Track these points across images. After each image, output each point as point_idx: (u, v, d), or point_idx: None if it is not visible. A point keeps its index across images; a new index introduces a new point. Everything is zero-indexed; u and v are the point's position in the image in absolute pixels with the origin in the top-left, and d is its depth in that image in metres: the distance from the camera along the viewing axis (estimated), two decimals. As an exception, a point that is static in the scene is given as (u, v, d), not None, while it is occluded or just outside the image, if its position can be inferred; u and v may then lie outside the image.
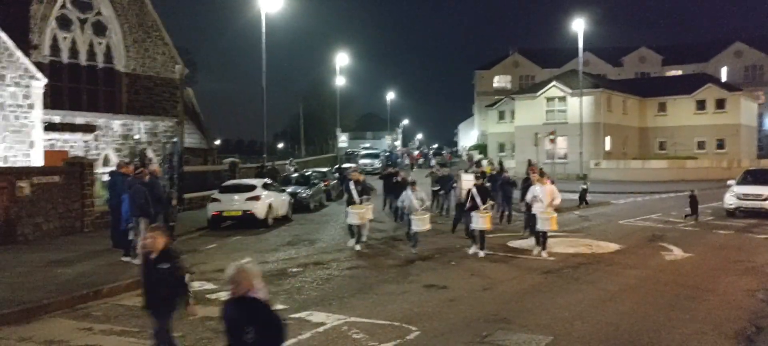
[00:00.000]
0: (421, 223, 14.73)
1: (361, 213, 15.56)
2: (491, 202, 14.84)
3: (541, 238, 14.21)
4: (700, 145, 52.28)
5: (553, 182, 16.39)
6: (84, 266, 12.69)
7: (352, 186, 16.35)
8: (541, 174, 15.21)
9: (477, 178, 15.63)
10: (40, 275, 11.66)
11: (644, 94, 54.74)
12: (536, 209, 14.29)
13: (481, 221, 14.13)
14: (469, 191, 14.85)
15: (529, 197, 14.84)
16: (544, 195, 14.27)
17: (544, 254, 13.85)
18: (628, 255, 14.30)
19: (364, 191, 16.44)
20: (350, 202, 16.08)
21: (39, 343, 7.98)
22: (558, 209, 14.59)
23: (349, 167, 29.29)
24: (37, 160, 21.42)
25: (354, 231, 15.74)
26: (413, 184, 15.79)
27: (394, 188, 21.29)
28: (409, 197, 15.38)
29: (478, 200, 14.43)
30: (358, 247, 15.25)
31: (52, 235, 17.00)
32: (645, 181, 41.49)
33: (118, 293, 10.71)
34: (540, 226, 14.11)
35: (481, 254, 13.98)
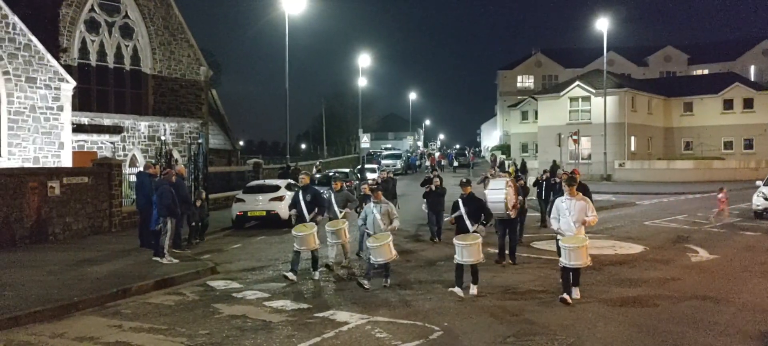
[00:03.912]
0: (380, 252, 10.70)
1: (307, 236, 11.56)
2: (485, 222, 11.03)
3: (572, 276, 9.98)
4: (728, 145, 51.49)
5: (586, 189, 12.29)
6: (113, 265, 12.96)
7: (300, 196, 12.33)
8: (570, 182, 10.29)
9: (464, 184, 11.36)
10: (70, 274, 11.95)
11: (670, 94, 54.07)
12: (562, 231, 10.13)
13: (466, 251, 10.25)
14: (455, 203, 11.18)
15: (553, 216, 10.53)
16: (573, 213, 10.00)
17: (576, 293, 9.91)
18: (653, 256, 14.18)
19: (315, 201, 12.32)
20: (300, 219, 12.18)
21: (71, 339, 8.20)
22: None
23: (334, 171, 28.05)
24: (67, 160, 21.91)
25: (296, 259, 11.78)
26: (376, 191, 11.80)
27: (427, 197, 17.36)
28: (371, 212, 11.46)
29: (465, 217, 10.81)
30: (316, 276, 11.77)
31: (82, 234, 17.37)
32: (670, 182, 40.98)
33: (147, 291, 10.94)
34: (564, 259, 9.83)
35: (473, 290, 10.35)
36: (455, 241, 10.55)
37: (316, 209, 12.29)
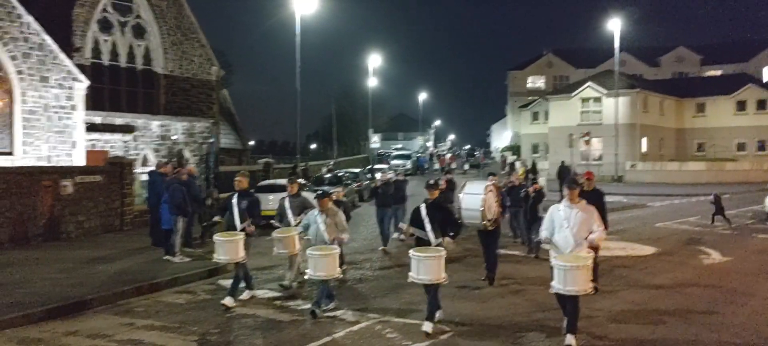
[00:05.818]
0: (321, 264, 8.83)
1: (232, 247, 9.72)
2: (452, 234, 8.80)
3: (570, 307, 7.71)
4: (740, 146, 51.14)
5: (600, 196, 10.63)
6: (125, 263, 13.05)
7: (234, 201, 10.35)
8: (572, 185, 8.12)
9: (430, 187, 9.21)
10: (83, 272, 12.04)
11: (682, 95, 53.72)
12: (557, 248, 7.95)
13: (423, 265, 8.09)
14: (416, 210, 8.99)
15: (544, 226, 8.20)
16: (574, 225, 7.82)
17: (570, 341, 7.59)
18: (665, 258, 14.10)
19: (251, 210, 10.37)
20: (230, 226, 10.25)
21: (84, 337, 8.26)
22: (596, 248, 8.56)
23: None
24: (79, 159, 22.04)
25: (240, 276, 10.05)
26: (322, 197, 9.75)
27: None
28: (315, 222, 9.69)
29: (427, 227, 8.76)
30: (245, 296, 10.20)
31: (94, 232, 17.49)
32: (682, 183, 40.72)
33: (159, 289, 11.00)
34: (557, 282, 7.61)
35: (426, 327, 8.16)
36: (411, 253, 8.31)
37: (251, 219, 10.35)
